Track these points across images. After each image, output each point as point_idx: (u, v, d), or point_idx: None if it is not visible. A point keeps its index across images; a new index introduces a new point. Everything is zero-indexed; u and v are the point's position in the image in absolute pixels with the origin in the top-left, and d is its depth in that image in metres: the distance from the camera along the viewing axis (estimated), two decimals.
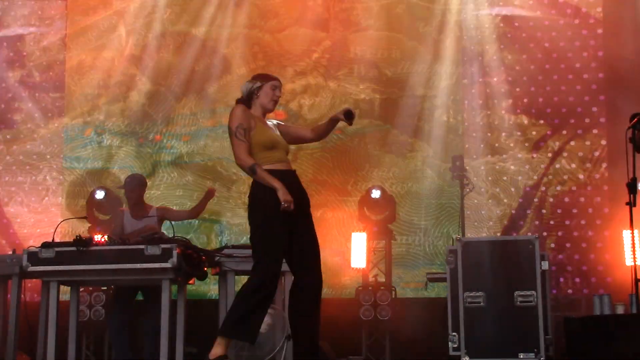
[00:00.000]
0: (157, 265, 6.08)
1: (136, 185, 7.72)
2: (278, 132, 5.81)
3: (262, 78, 5.82)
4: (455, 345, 7.38)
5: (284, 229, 5.48)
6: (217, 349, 5.44)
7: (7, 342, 7.10)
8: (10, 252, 7.28)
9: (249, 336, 5.51)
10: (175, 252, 6.06)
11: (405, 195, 9.70)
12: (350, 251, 9.19)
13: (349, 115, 5.60)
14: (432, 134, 9.79)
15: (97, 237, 6.32)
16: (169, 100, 10.31)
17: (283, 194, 5.40)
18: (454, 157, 9.14)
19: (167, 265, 6.08)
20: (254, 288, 5.44)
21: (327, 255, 9.13)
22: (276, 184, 5.44)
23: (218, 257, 6.59)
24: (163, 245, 6.10)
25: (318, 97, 10.10)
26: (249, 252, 6.63)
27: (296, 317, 5.58)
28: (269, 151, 5.61)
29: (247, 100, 5.73)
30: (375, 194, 9.25)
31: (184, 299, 6.56)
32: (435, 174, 9.69)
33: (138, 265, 6.11)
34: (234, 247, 6.76)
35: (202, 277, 6.68)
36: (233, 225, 9.92)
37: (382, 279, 9.18)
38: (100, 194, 9.41)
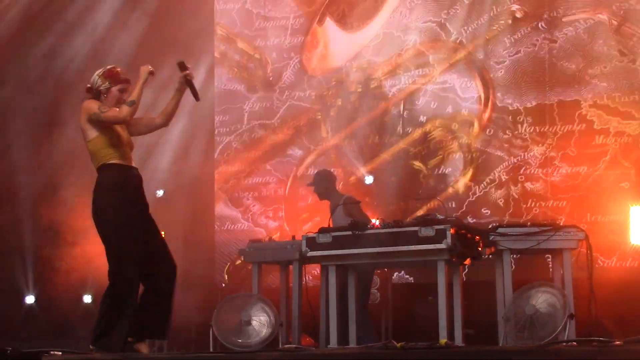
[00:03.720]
0: (431, 246, 6.09)
1: None
2: (125, 128, 5.82)
3: (112, 80, 5.74)
4: None
5: (134, 231, 5.60)
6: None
7: (292, 325, 7.40)
8: (291, 239, 7.58)
9: (114, 348, 5.56)
10: (449, 233, 6.02)
11: None
12: (629, 226, 8.73)
13: (183, 67, 5.72)
14: None
15: (373, 221, 6.43)
16: None
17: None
18: None
19: (442, 246, 6.06)
20: (113, 297, 5.57)
21: (602, 233, 8.77)
22: (139, 83, 5.60)
23: (493, 236, 6.48)
24: (437, 226, 6.08)
25: None
26: (524, 230, 6.50)
27: (152, 302, 5.68)
28: (114, 147, 5.67)
29: (95, 94, 5.74)
30: None
31: (459, 280, 6.49)
32: None
33: (412, 247, 6.15)
34: (508, 225, 6.62)
35: (477, 257, 6.60)
36: None
37: None
38: (369, 179, 9.64)
